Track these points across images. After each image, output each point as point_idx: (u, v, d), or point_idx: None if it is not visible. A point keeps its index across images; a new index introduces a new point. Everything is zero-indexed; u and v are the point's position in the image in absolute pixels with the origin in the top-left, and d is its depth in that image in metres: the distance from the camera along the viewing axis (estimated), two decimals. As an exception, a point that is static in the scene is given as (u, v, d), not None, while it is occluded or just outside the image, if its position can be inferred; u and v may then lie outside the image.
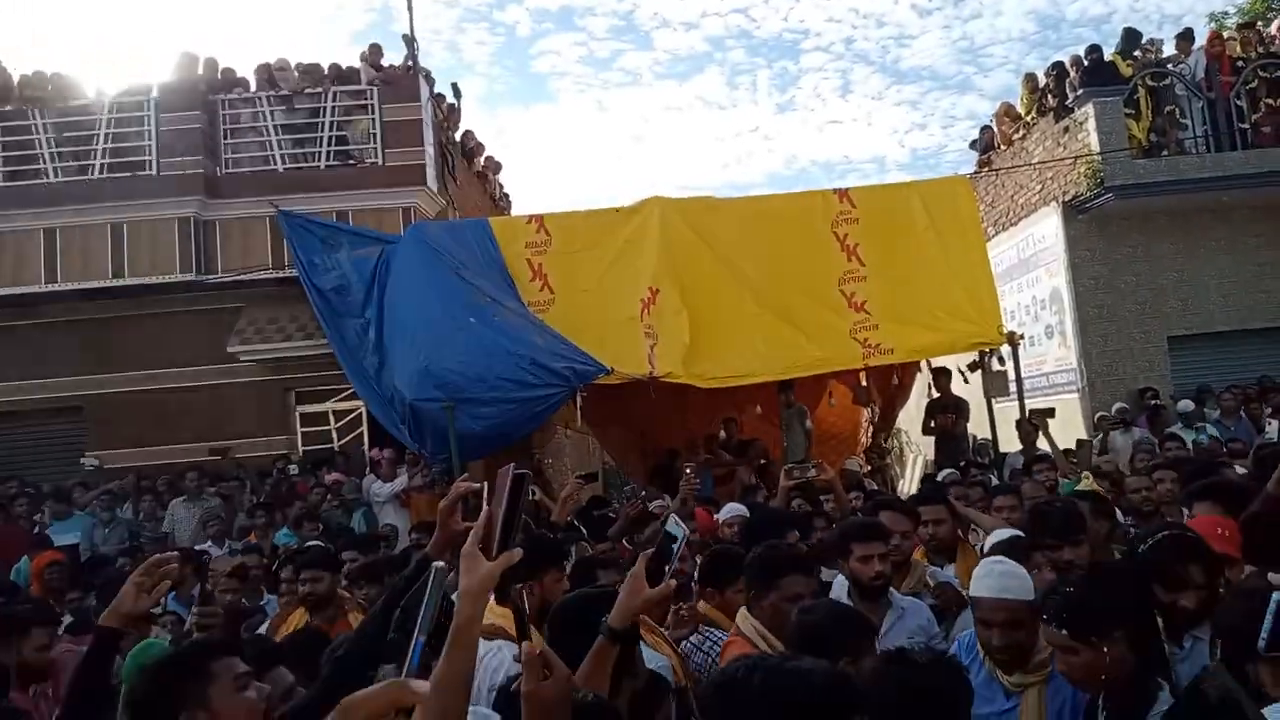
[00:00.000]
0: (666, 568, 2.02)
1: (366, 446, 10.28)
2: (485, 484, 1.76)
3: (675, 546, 2.07)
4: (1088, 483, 5.42)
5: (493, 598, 1.94)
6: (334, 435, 10.73)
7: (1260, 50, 11.63)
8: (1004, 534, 3.92)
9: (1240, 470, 5.15)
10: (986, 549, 3.93)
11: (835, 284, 8.87)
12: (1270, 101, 11.18)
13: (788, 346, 8.57)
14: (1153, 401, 10.41)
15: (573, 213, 9.33)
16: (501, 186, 14.74)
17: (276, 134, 10.78)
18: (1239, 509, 3.36)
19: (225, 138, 10.80)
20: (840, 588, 3.71)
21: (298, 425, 10.81)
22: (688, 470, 6.23)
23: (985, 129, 14.45)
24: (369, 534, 7.50)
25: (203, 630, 4.20)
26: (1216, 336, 11.60)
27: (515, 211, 14.71)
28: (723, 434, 10.44)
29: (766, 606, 2.96)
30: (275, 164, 10.76)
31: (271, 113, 10.76)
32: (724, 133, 67.05)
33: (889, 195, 9.49)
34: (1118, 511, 4.77)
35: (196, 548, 7.47)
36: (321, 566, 4.55)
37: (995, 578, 2.84)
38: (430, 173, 10.58)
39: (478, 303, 7.96)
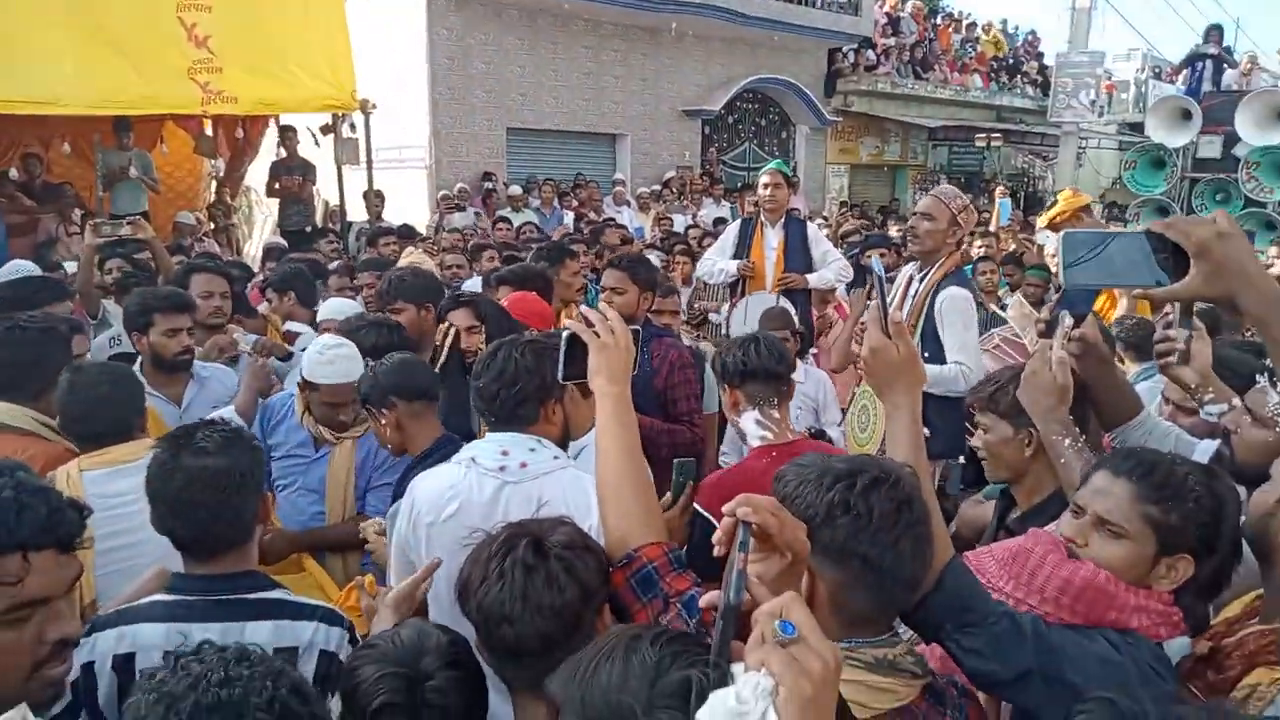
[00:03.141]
0: None
1: None
2: None
3: None
4: (416, 257, 5.74)
5: None
6: None
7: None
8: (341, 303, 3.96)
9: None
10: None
11: (173, 9, 7.53)
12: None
13: (108, 75, 7.12)
14: (488, 185, 11.45)
15: None
16: None
17: None
18: (539, 292, 3.88)
19: None
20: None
21: None
22: None
23: None
24: None
25: None
26: (546, 133, 13.11)
27: None
28: (15, 172, 8.49)
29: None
30: None
31: None
32: None
33: (244, -85, 8.24)
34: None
35: None
36: None
37: (331, 364, 2.90)
38: None
39: None
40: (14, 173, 8.67)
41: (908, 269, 3.98)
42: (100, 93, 7.11)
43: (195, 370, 3.48)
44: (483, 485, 2.00)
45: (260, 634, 1.73)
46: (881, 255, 6.14)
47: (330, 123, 8.71)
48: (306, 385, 2.96)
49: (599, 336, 1.67)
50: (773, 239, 5.36)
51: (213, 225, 9.93)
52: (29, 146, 8.85)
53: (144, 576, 1.87)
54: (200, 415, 3.38)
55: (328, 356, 2.89)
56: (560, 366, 1.73)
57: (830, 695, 0.85)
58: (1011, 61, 21.06)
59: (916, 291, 3.80)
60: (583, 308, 1.76)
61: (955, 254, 3.78)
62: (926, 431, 3.67)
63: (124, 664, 1.69)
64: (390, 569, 2.20)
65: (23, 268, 5.01)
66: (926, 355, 3.70)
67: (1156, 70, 22.77)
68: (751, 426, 2.46)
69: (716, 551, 1.10)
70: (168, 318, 3.26)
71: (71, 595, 1.34)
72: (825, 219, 12.43)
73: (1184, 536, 1.52)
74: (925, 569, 1.35)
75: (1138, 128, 14.92)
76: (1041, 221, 7.88)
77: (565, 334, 1.73)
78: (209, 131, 9.52)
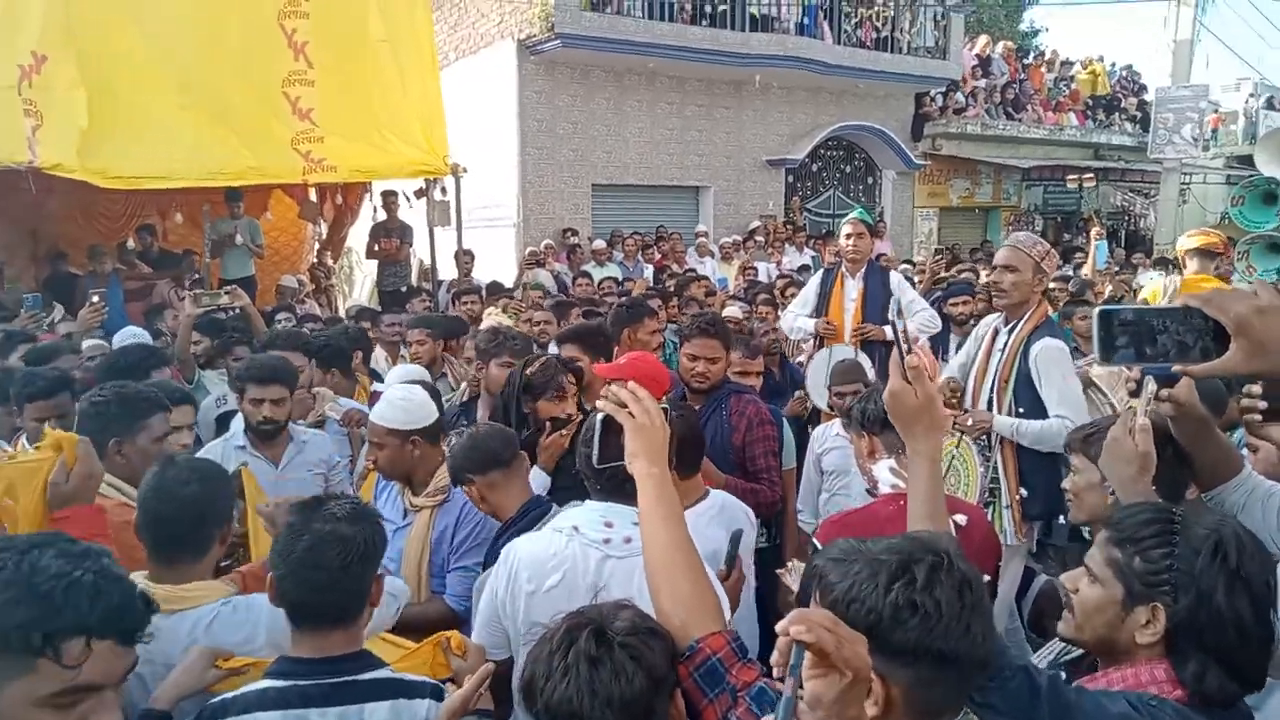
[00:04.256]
0: None
1: None
2: None
3: None
4: (496, 316, 5.85)
5: None
6: None
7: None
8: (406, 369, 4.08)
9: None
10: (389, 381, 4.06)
11: (279, 84, 8.00)
12: (693, -18, 12.70)
13: (218, 149, 7.57)
14: (572, 240, 11.66)
15: (-91, -69, 6.90)
16: None
17: None
18: (599, 349, 3.90)
19: None
20: None
21: None
22: (94, 298, 5.29)
23: (454, -53, 14.11)
24: None
25: None
26: (630, 188, 13.32)
27: None
28: (133, 243, 9.09)
29: (130, 452, 2.63)
30: None
31: None
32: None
33: (344, -5, 8.74)
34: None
35: None
36: None
37: (383, 404, 2.95)
38: None
39: None
40: (131, 242, 9.29)
41: (990, 320, 3.85)
42: (211, 166, 7.56)
43: (294, 433, 3.63)
44: (586, 556, 1.96)
45: (379, 715, 1.72)
46: (966, 303, 5.97)
47: (424, 187, 9.05)
48: None
49: (634, 417, 1.64)
50: (852, 290, 5.28)
51: (314, 286, 10.38)
52: (147, 217, 9.49)
53: (189, 659, 1.85)
54: (295, 477, 3.52)
55: (384, 396, 2.99)
56: (595, 450, 1.69)
57: None
58: (1109, 99, 20.45)
59: (1006, 344, 3.66)
60: (613, 386, 1.71)
61: (1044, 304, 3.64)
62: (1024, 491, 3.57)
63: None
64: (475, 632, 2.17)
65: (134, 334, 5.33)
66: (1022, 410, 3.57)
67: (1270, 100, 21.76)
68: (885, 474, 2.46)
69: (775, 673, 1.05)
70: (253, 388, 3.44)
71: (120, 687, 1.33)
72: (913, 264, 12.19)
73: (1150, 582, 1.50)
74: (993, 643, 1.28)
75: (1248, 160, 14.21)
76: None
77: (599, 417, 1.69)
78: (313, 198, 10.03)
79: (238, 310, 5.35)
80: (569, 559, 1.97)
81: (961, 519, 2.40)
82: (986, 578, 2.33)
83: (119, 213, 9.38)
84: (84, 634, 1.22)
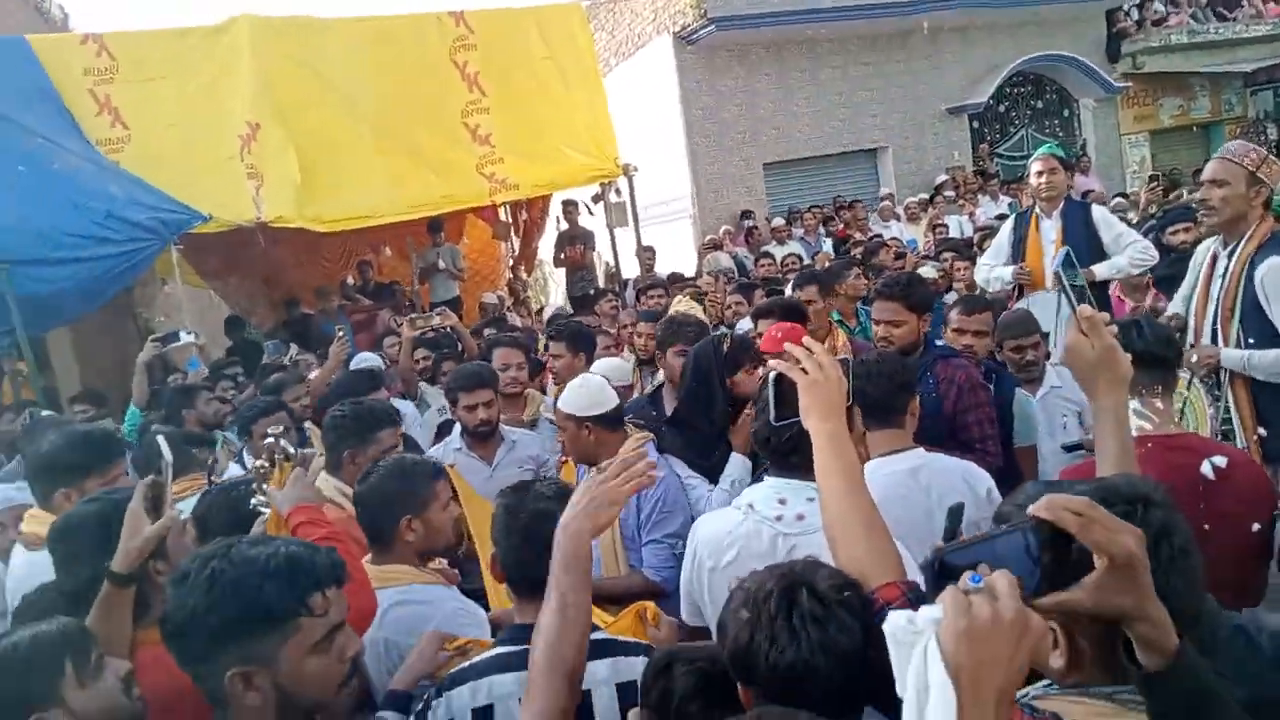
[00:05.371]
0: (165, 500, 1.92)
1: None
2: None
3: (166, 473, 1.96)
4: (684, 304, 5.95)
5: None
6: None
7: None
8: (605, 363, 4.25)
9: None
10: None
11: (459, 116, 8.57)
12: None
13: (412, 183, 8.22)
14: (748, 223, 11.61)
15: (141, 33, 7.93)
16: (54, -3, 12.07)
17: None
18: (794, 320, 3.90)
19: None
20: None
21: None
22: (339, 332, 5.91)
23: (605, -47, 14.41)
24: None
25: None
26: (803, 161, 13.08)
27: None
28: (352, 279, 9.98)
29: (362, 461, 2.93)
30: None
31: None
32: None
33: (505, 21, 9.18)
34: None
35: None
36: None
37: (567, 390, 3.11)
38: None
39: (27, 147, 6.59)
40: (350, 278, 10.21)
41: (1207, 244, 3.49)
42: (410, 200, 8.21)
43: (505, 434, 3.89)
44: (760, 533, 2.01)
45: (601, 671, 1.82)
46: (1187, 229, 5.43)
47: (600, 191, 9.35)
48: None
49: (806, 373, 1.64)
50: (1050, 231, 4.93)
51: (513, 299, 10.99)
52: (362, 255, 10.41)
53: (420, 644, 2.06)
54: (507, 474, 3.76)
55: (569, 386, 3.15)
56: (771, 408, 1.71)
57: (1000, 648, 0.85)
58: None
59: (1227, 269, 3.32)
60: (788, 345, 1.70)
61: (1268, 218, 3.26)
62: (1262, 431, 3.21)
63: (482, 716, 1.80)
64: (683, 607, 2.26)
65: (366, 358, 5.88)
66: (1252, 340, 3.23)
67: None
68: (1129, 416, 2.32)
69: None
70: (466, 395, 3.73)
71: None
72: (1127, 197, 11.17)
73: None
74: (1200, 598, 1.19)
75: None
76: None
77: (771, 375, 1.71)
78: (503, 217, 10.62)
79: (448, 329, 5.79)
80: (743, 536, 2.03)
81: (1221, 460, 2.18)
82: (1256, 526, 2.13)
83: (337, 253, 10.35)
84: (319, 588, 1.48)
